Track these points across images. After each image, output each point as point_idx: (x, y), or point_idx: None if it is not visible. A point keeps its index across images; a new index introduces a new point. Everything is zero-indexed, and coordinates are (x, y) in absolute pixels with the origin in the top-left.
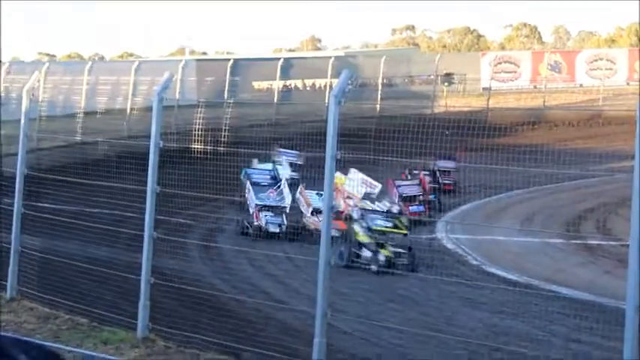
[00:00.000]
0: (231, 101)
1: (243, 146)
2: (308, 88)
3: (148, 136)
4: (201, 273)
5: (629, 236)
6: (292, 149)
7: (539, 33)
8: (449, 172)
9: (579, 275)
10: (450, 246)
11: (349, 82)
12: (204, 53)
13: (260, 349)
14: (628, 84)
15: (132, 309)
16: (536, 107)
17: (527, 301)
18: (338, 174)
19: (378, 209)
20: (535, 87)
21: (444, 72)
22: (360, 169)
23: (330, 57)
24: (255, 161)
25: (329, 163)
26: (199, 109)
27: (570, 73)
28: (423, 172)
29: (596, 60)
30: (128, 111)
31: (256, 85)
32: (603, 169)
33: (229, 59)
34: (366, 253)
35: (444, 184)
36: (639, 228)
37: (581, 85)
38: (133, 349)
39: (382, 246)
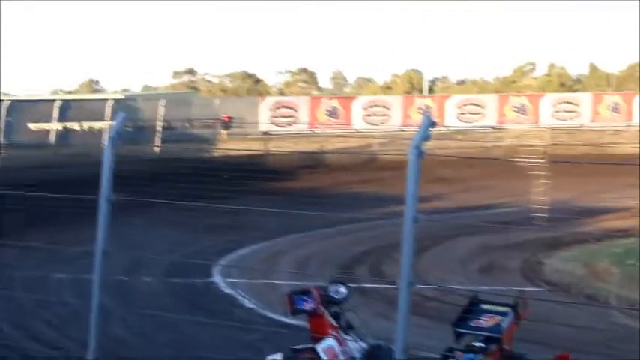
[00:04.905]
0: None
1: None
2: (86, 131)
3: None
4: None
5: (399, 278)
6: None
7: (317, 79)
8: None
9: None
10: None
11: (126, 124)
12: None
13: None
14: (402, 130)
15: None
16: (313, 151)
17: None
18: None
19: None
20: (313, 132)
21: (223, 116)
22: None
23: (108, 99)
24: None
25: (103, 206)
26: None
27: (347, 119)
28: None
29: (372, 106)
30: None
31: (33, 126)
32: (377, 212)
33: (5, 100)
34: None
35: None
36: (408, 270)
37: (357, 131)
38: None
39: None
